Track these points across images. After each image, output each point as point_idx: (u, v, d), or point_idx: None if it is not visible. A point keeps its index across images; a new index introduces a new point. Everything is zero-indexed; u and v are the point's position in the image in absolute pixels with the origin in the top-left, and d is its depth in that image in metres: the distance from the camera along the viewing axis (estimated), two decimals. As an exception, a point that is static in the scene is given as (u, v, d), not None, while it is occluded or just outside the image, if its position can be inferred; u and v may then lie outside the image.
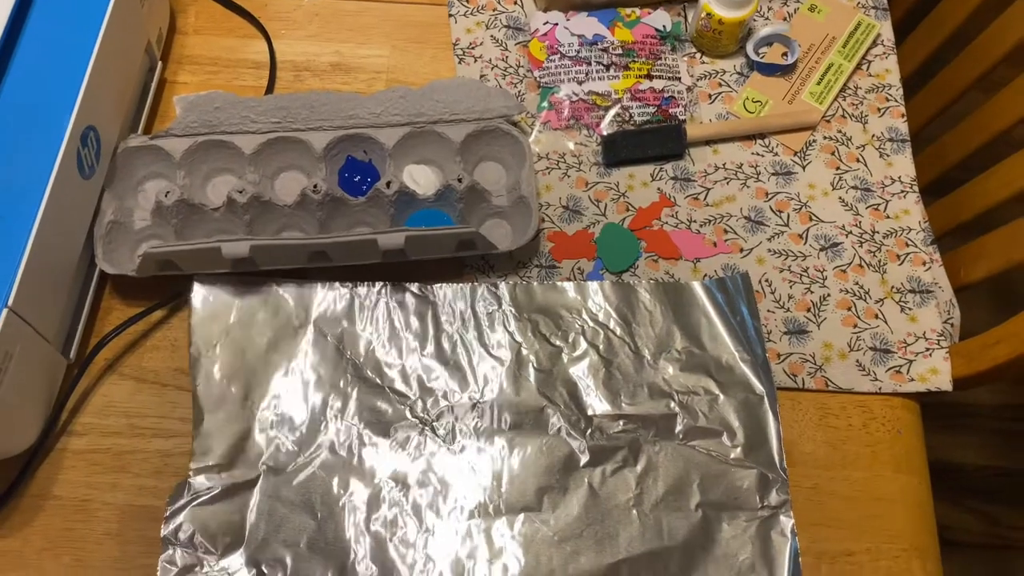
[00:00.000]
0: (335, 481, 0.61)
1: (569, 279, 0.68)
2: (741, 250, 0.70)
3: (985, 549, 1.37)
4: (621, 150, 0.71)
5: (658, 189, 0.72)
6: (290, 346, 0.65)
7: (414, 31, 0.78)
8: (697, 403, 0.64)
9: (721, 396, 0.65)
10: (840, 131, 0.74)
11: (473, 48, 0.77)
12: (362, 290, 0.66)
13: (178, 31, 0.77)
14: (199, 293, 0.65)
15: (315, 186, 0.65)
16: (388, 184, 0.66)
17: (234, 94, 0.68)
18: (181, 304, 0.67)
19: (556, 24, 0.76)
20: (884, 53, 0.78)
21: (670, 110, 0.73)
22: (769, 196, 0.72)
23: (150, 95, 0.72)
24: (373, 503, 0.60)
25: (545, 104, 0.74)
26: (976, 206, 0.74)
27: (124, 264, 0.65)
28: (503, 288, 0.67)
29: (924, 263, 0.70)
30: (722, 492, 0.62)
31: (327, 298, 0.66)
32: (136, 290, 0.66)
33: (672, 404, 0.64)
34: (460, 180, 0.66)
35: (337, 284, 0.66)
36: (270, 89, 0.74)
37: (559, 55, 0.75)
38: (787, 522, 0.61)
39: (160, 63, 0.73)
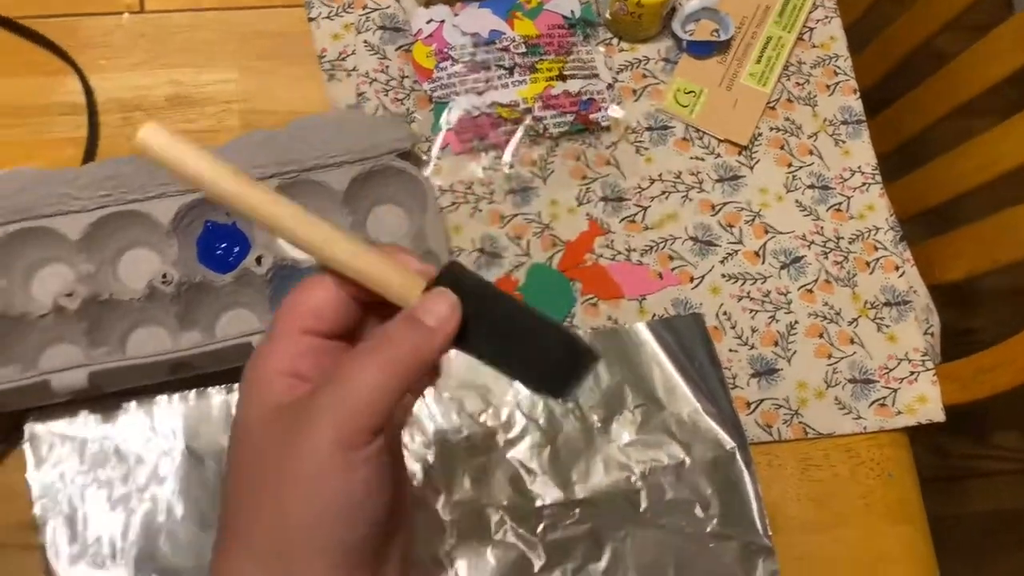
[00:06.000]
0: (240, 646, 0.49)
1: (495, 341, 0.57)
2: (692, 279, 0.59)
3: (938, 481, 1.36)
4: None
5: (587, 215, 0.60)
6: (161, 480, 0.52)
7: (267, 44, 0.63)
8: (661, 473, 0.55)
9: (687, 460, 0.55)
10: (788, 119, 0.64)
11: (344, 59, 0.63)
12: (243, 394, 0.54)
13: (-37, 74, 0.60)
14: (34, 434, 0.51)
15: (164, 276, 0.51)
16: (259, 260, 0.53)
17: (42, 169, 0.52)
18: (16, 440, 0.53)
19: (442, 21, 0.62)
20: (826, 17, 0.67)
21: (591, 115, 0.61)
22: (716, 209, 0.61)
23: (-65, 167, 0.56)
24: (291, 664, 0.49)
25: (441, 124, 0.61)
26: (947, 190, 0.65)
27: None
28: (417, 363, 0.56)
29: (896, 267, 0.61)
30: (702, 574, 0.53)
31: (198, 409, 0.53)
32: None
33: (632, 478, 0.55)
34: (348, 243, 0.53)
35: (209, 390, 0.53)
36: (92, 140, 0.59)
37: (451, 61, 0.61)
38: (778, 596, 0.53)
39: (-58, 122, 0.57)
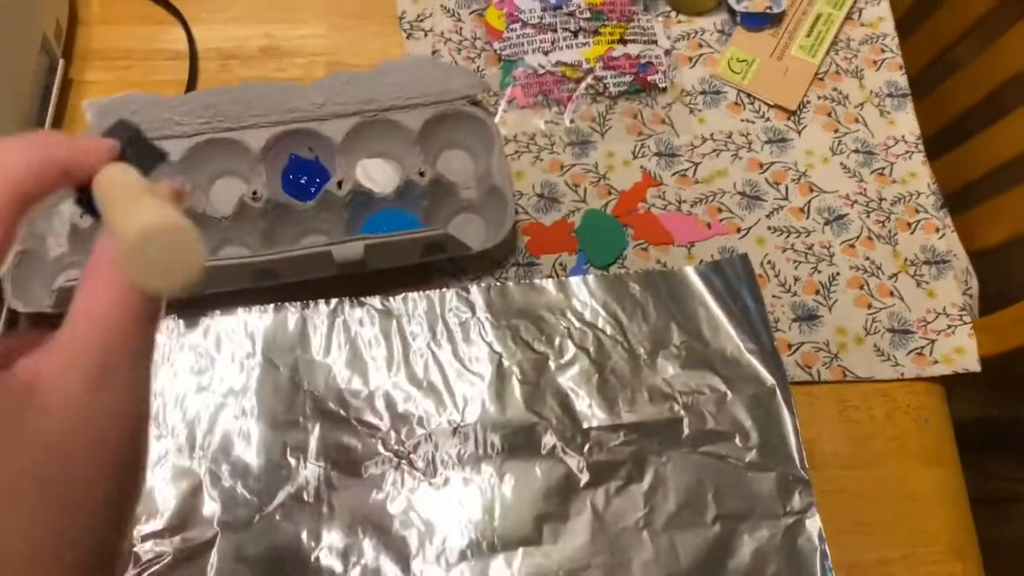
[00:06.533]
0: (304, 533, 0.53)
1: (550, 276, 0.61)
2: (738, 230, 0.63)
3: (981, 503, 1.35)
4: None
5: (641, 167, 0.64)
6: (237, 383, 0.56)
7: (353, 5, 0.69)
8: (703, 403, 0.58)
9: (729, 393, 0.58)
10: (835, 89, 0.67)
11: (422, 20, 0.68)
12: (315, 310, 0.58)
13: (81, 22, 0.67)
14: (128, 329, 0.56)
15: (254, 193, 0.57)
16: (339, 184, 0.58)
17: (154, 94, 0.58)
18: (109, 339, 0.58)
19: (514, -12, 0.68)
20: (875, -1, 0.71)
21: (648, 77, 0.66)
22: (764, 167, 0.65)
23: (53, 99, 0.62)
24: (349, 553, 0.53)
25: (509, 80, 0.66)
26: (987, 163, 0.68)
27: (39, 300, 0.56)
28: (475, 292, 0.60)
29: (937, 230, 0.63)
30: (740, 501, 0.56)
31: (275, 323, 0.58)
32: (54, 328, 0.57)
33: (675, 407, 0.58)
34: (422, 174, 0.58)
35: (286, 305, 0.58)
36: (192, 82, 0.65)
37: (520, 23, 0.66)
38: (814, 527, 0.55)
39: (62, 60, 0.63)
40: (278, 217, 0.58)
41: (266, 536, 0.53)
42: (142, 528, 0.52)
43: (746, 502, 0.56)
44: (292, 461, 0.55)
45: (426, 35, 0.68)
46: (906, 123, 0.67)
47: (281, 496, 0.54)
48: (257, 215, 0.57)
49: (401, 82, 0.60)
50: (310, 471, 0.54)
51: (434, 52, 0.67)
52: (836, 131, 0.66)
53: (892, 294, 0.61)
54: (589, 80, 0.65)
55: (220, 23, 0.67)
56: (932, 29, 0.78)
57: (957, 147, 0.72)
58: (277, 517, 0.53)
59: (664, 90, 0.66)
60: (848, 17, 0.70)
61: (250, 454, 0.55)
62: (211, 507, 0.53)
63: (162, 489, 0.54)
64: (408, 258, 0.57)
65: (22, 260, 0.56)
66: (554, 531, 0.54)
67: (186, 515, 0.53)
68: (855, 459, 0.58)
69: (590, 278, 0.60)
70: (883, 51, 0.69)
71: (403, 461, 0.55)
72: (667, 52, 0.67)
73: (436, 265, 0.60)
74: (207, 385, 0.56)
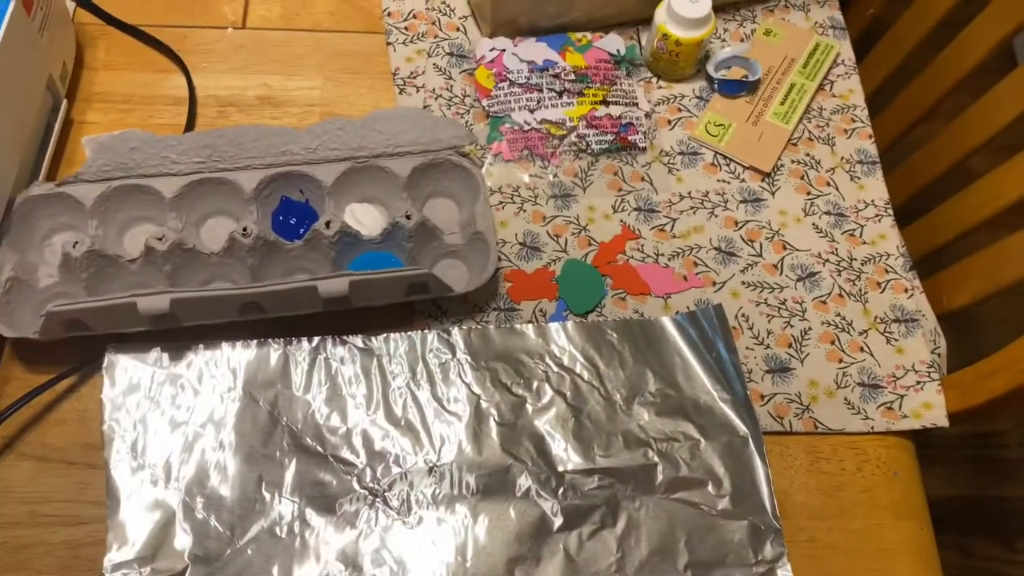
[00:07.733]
0: (275, 568, 0.53)
1: (530, 322, 0.62)
2: (714, 283, 0.65)
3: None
4: None
5: (621, 221, 0.66)
6: (217, 416, 0.57)
7: (349, 61, 0.72)
8: (677, 450, 0.59)
9: (702, 441, 0.59)
10: (808, 154, 0.70)
11: (414, 77, 0.71)
12: (297, 347, 0.59)
13: (86, 67, 0.70)
14: (112, 362, 0.57)
15: (244, 229, 0.58)
16: (328, 224, 0.59)
17: (151, 132, 0.61)
18: (92, 370, 0.58)
19: (503, 50, 0.71)
20: (846, 73, 0.75)
21: (629, 137, 0.69)
22: (739, 225, 0.67)
23: (54, 137, 0.64)
24: (320, 590, 0.52)
25: (496, 135, 0.68)
26: (953, 228, 0.70)
27: (26, 326, 0.57)
28: (456, 335, 0.61)
29: (906, 290, 0.65)
30: (711, 549, 0.56)
31: (258, 358, 0.59)
32: (40, 356, 0.58)
33: (650, 453, 0.58)
34: (408, 217, 0.60)
35: (269, 341, 0.59)
36: (190, 126, 0.67)
37: (508, 82, 0.70)
38: (785, 578, 0.55)
39: (65, 101, 0.66)
40: (266, 255, 0.59)
41: (237, 570, 0.52)
42: (112, 557, 0.52)
43: (718, 550, 0.56)
44: (267, 495, 0.55)
45: (418, 91, 0.71)
46: (875, 188, 0.69)
47: (254, 530, 0.54)
48: (246, 252, 0.58)
49: (391, 131, 0.63)
50: (284, 506, 0.55)
51: (425, 107, 0.70)
52: (808, 193, 0.69)
53: (862, 350, 0.63)
54: (572, 137, 0.68)
55: (220, 73, 0.70)
56: (900, 107, 0.82)
57: (924, 215, 0.75)
58: (249, 551, 0.53)
59: (644, 149, 0.69)
60: (820, 88, 0.73)
61: (225, 487, 0.55)
62: (183, 539, 0.53)
63: (135, 519, 0.53)
64: (392, 297, 0.58)
65: (12, 287, 0.57)
66: (526, 574, 0.54)
67: (157, 546, 0.53)
68: (826, 510, 0.58)
69: (569, 324, 0.62)
70: (853, 121, 0.72)
71: (378, 499, 0.56)
72: (647, 114, 0.70)
73: (418, 307, 0.62)
74: (187, 418, 0.57)
